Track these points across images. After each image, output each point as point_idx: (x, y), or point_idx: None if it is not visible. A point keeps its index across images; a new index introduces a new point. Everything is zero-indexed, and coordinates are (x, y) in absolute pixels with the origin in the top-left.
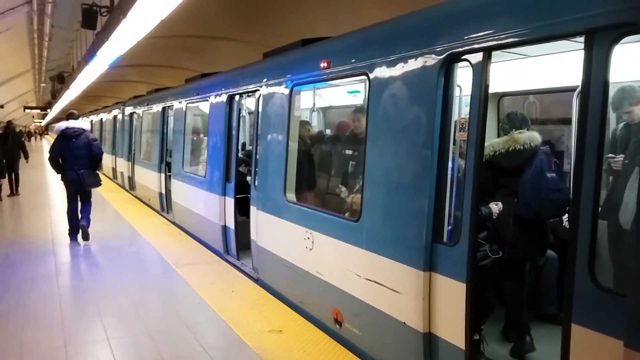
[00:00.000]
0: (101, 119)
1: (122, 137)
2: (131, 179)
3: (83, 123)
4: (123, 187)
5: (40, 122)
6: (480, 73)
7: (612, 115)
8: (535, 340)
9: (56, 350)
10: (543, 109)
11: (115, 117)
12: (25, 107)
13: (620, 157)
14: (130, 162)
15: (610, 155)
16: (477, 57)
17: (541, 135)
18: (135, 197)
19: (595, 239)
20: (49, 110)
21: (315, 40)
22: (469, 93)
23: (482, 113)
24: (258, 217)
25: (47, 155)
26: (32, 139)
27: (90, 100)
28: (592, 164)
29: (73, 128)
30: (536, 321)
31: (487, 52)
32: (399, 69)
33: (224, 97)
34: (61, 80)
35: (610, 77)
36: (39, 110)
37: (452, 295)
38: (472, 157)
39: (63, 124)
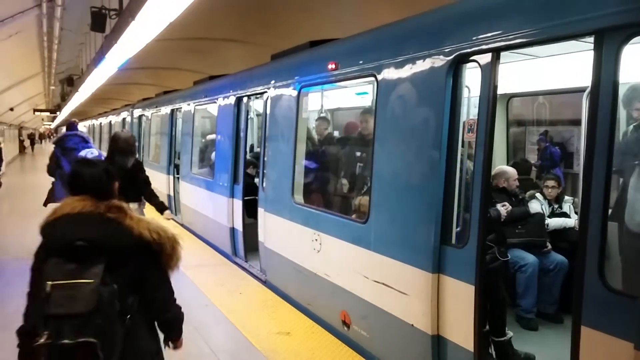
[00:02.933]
0: (110, 121)
1: None
2: None
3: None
4: None
5: (50, 125)
6: (489, 74)
7: (622, 116)
8: (543, 341)
9: None
10: (553, 110)
11: (124, 119)
12: (35, 110)
13: None
14: None
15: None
16: (485, 58)
17: (552, 135)
18: None
19: (605, 240)
20: (58, 112)
21: (323, 41)
22: (478, 94)
23: (490, 114)
24: (266, 219)
25: None
26: (43, 141)
27: (99, 103)
28: (601, 165)
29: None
30: (540, 320)
31: (496, 52)
32: (407, 70)
33: (232, 99)
34: (70, 83)
35: (620, 78)
36: (48, 113)
37: (460, 298)
38: (481, 158)
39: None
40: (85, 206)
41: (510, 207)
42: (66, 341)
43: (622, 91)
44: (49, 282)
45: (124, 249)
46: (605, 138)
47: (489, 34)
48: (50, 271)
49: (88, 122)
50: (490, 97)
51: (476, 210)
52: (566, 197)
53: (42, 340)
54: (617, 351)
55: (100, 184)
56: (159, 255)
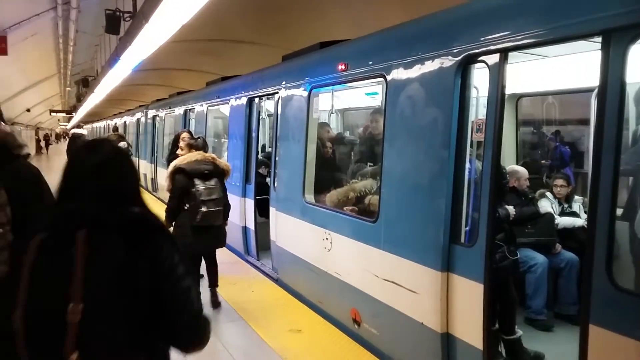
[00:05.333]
0: (125, 121)
1: (145, 140)
2: (154, 181)
3: (84, 130)
4: (146, 189)
5: (66, 125)
6: (497, 74)
7: (632, 115)
8: (555, 341)
9: None
10: (562, 110)
11: (138, 120)
12: (51, 111)
13: None
14: (153, 164)
15: None
16: (493, 58)
17: (563, 135)
18: (158, 198)
19: (614, 239)
20: (74, 113)
21: (333, 42)
22: (486, 94)
23: (499, 114)
24: (277, 218)
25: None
26: (58, 141)
27: (114, 104)
28: (609, 164)
29: (78, 132)
30: (556, 321)
31: (504, 53)
32: (416, 71)
33: (243, 100)
34: (86, 84)
35: (627, 78)
36: (64, 114)
37: (469, 296)
38: (489, 158)
39: (73, 130)
40: (201, 156)
41: (513, 210)
42: (212, 209)
43: (634, 90)
44: (201, 187)
45: (219, 173)
46: (612, 137)
47: (497, 35)
48: (198, 183)
49: (103, 123)
50: (498, 97)
51: (485, 209)
52: (576, 197)
53: (202, 210)
54: (625, 349)
55: (205, 147)
56: (227, 175)
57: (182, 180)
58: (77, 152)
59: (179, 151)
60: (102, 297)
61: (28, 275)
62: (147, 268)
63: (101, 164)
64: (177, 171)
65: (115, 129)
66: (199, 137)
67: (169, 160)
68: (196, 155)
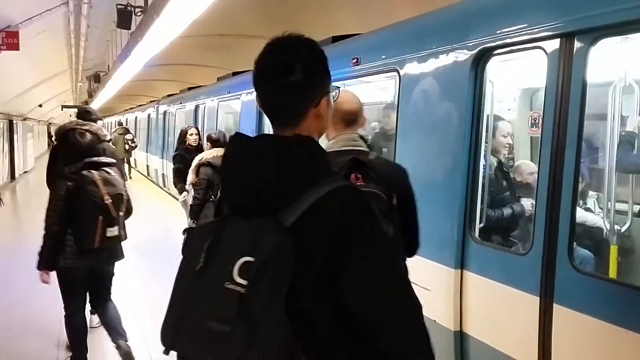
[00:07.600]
0: (136, 117)
1: (155, 135)
2: (165, 176)
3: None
4: (157, 184)
5: None
6: (559, 62)
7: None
8: None
9: None
10: None
11: (149, 115)
12: (63, 106)
13: None
14: (163, 160)
15: None
16: (554, 45)
17: None
18: (169, 193)
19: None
20: None
21: (345, 37)
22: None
23: (561, 107)
24: None
25: None
26: None
27: (125, 99)
28: (572, 158)
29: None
30: None
31: (570, 37)
32: (430, 65)
33: (254, 95)
34: (97, 80)
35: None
36: (76, 109)
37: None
38: (548, 156)
39: None
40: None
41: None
42: None
43: None
44: None
45: None
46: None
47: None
48: None
49: (114, 118)
50: (559, 88)
51: (541, 213)
52: (590, 192)
53: None
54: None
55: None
56: None
57: (209, 172)
58: None
59: (205, 146)
60: None
61: None
62: None
63: None
64: (204, 164)
65: (120, 123)
66: (219, 132)
67: (175, 157)
68: (221, 151)
